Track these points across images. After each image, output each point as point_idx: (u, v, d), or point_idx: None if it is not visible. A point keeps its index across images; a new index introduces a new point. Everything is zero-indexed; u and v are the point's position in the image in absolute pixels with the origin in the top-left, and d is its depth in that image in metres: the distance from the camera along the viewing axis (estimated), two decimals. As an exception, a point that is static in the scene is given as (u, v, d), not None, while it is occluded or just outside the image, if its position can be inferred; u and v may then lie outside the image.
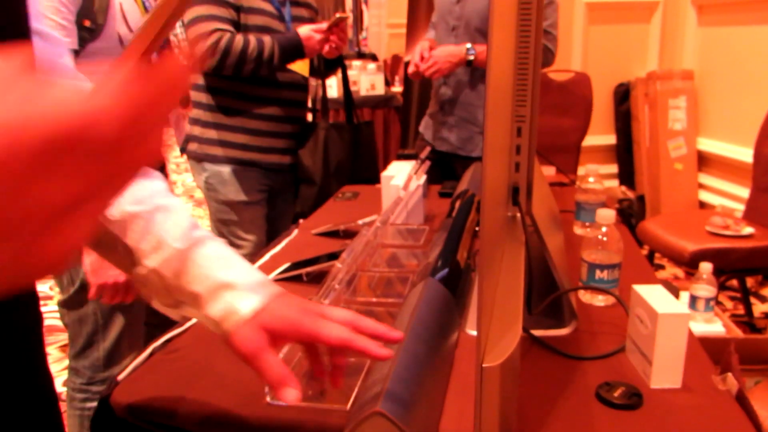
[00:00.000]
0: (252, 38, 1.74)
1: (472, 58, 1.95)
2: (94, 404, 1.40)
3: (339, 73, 2.20)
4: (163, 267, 0.62)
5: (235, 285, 0.61)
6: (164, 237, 0.62)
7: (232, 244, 1.95)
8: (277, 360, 0.56)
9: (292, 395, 0.54)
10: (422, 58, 1.98)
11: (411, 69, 2.01)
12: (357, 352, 0.57)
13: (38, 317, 0.64)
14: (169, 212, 0.64)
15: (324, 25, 1.82)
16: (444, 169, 2.09)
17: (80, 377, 1.40)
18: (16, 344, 0.60)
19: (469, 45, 1.95)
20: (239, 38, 1.73)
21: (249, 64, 1.75)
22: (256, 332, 0.58)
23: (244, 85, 1.84)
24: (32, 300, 0.62)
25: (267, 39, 1.75)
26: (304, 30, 1.80)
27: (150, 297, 0.66)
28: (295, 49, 1.79)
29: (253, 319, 0.59)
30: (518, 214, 0.88)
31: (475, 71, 2.01)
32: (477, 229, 1.33)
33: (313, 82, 2.08)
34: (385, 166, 1.60)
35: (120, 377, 0.86)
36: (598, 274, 1.02)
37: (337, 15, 1.83)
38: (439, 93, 2.11)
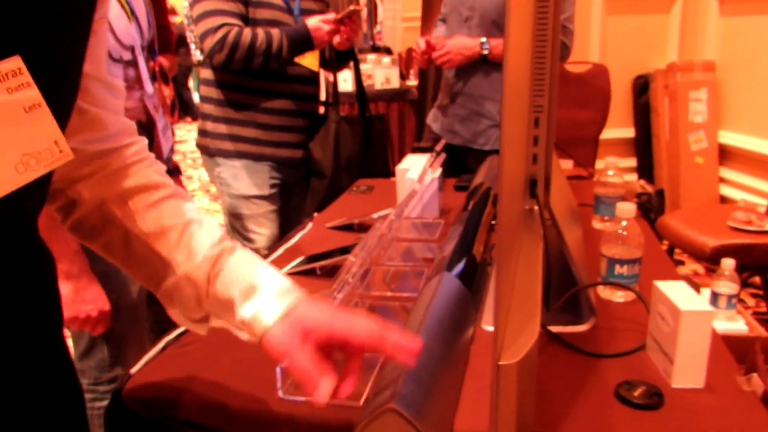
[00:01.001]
0: (260, 31, 1.73)
1: (486, 52, 1.93)
2: (104, 404, 1.40)
3: (352, 66, 2.18)
4: (195, 273, 0.64)
5: (266, 287, 0.62)
6: (197, 245, 0.65)
7: (246, 238, 1.95)
8: (308, 358, 0.57)
9: (320, 394, 0.55)
10: (433, 48, 1.96)
11: (419, 52, 1.99)
12: (386, 352, 0.58)
13: (60, 310, 0.64)
14: (202, 225, 0.67)
15: (332, 16, 1.80)
16: (455, 163, 2.06)
17: (87, 378, 1.40)
18: (45, 337, 0.60)
19: (483, 39, 1.92)
20: (247, 32, 1.72)
21: (258, 57, 1.74)
22: (287, 332, 0.59)
23: (254, 80, 1.83)
24: (55, 294, 0.62)
25: (275, 32, 1.74)
26: (312, 21, 1.78)
27: (177, 314, 0.68)
28: (303, 40, 1.78)
29: (285, 318, 0.60)
30: (536, 207, 0.86)
31: (489, 64, 1.98)
32: (493, 222, 1.31)
33: (324, 75, 2.06)
34: (400, 160, 1.58)
35: (133, 371, 0.86)
36: (617, 269, 1.00)
37: (351, 7, 1.82)
38: (450, 85, 2.08)
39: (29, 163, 0.45)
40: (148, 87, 1.38)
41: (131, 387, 0.82)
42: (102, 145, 0.64)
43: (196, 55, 4.88)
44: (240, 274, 0.64)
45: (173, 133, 1.77)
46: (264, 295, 0.62)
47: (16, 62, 0.43)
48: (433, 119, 2.21)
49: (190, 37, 7.22)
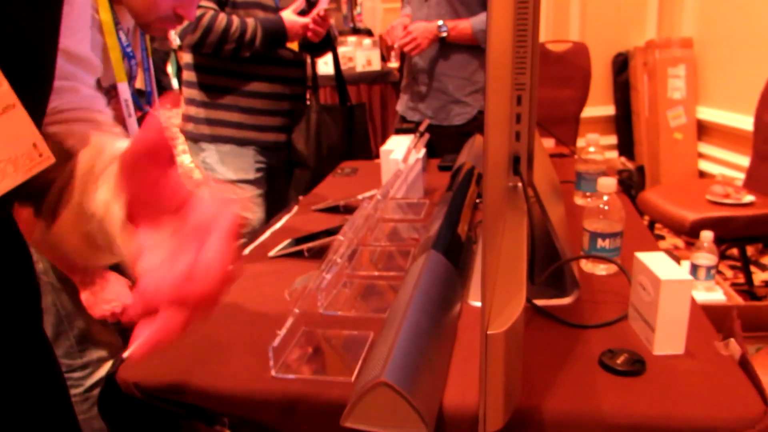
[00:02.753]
0: (235, 18, 1.72)
1: (444, 35, 2.01)
2: (80, 390, 1.41)
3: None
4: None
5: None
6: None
7: (232, 223, 1.95)
8: None
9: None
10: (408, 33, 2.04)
11: (397, 45, 2.08)
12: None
13: (39, 303, 0.64)
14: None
15: (302, 1, 1.81)
16: None
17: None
18: (26, 329, 0.61)
19: (440, 22, 2.00)
20: (222, 17, 1.71)
21: (230, 44, 1.73)
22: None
23: (236, 64, 1.82)
24: (35, 288, 0.62)
25: (251, 20, 1.74)
26: (287, 14, 1.78)
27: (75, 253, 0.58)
28: (278, 32, 1.77)
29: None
30: (519, 184, 0.88)
31: (447, 44, 2.06)
32: (477, 201, 1.33)
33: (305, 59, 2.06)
34: (383, 142, 1.59)
35: (126, 354, 0.87)
36: (600, 243, 1.02)
37: (318, 7, 1.82)
38: (411, 65, 2.17)
39: (6, 171, 0.42)
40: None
41: (124, 370, 0.83)
42: (70, 114, 0.60)
43: (176, 41, 4.80)
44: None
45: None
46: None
47: None
48: (401, 104, 2.30)
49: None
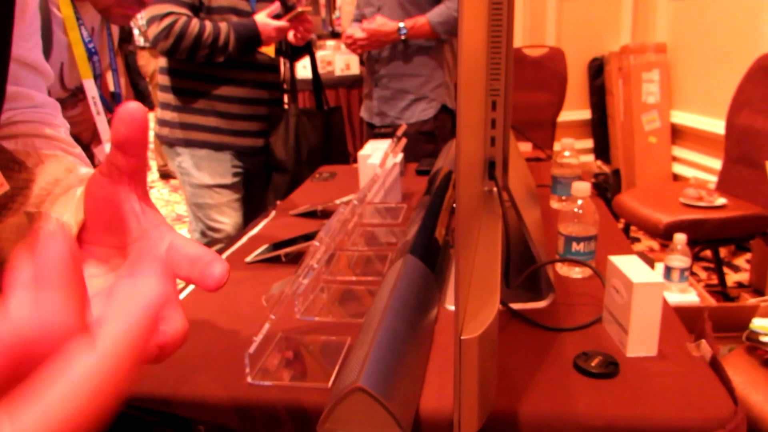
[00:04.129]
0: (208, 24, 1.72)
1: (404, 36, 2.10)
2: None
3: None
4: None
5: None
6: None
7: (209, 228, 1.93)
8: None
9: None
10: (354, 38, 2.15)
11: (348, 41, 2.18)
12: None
13: None
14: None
15: (277, 5, 1.81)
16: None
17: None
18: None
19: (401, 24, 2.07)
20: (195, 22, 1.70)
21: (203, 49, 1.72)
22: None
23: (212, 68, 1.81)
24: None
25: (223, 25, 1.74)
26: (260, 17, 1.78)
27: None
28: (251, 36, 1.77)
29: None
30: (495, 189, 0.89)
31: (407, 45, 2.14)
32: (455, 205, 1.34)
33: (282, 62, 2.06)
34: (361, 146, 1.59)
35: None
36: (574, 246, 1.03)
37: (299, 9, 1.82)
38: (372, 72, 2.25)
39: None
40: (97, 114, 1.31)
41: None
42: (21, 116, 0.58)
43: (140, 42, 4.71)
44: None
45: None
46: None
47: None
48: (365, 110, 2.36)
49: (136, 20, 7.02)
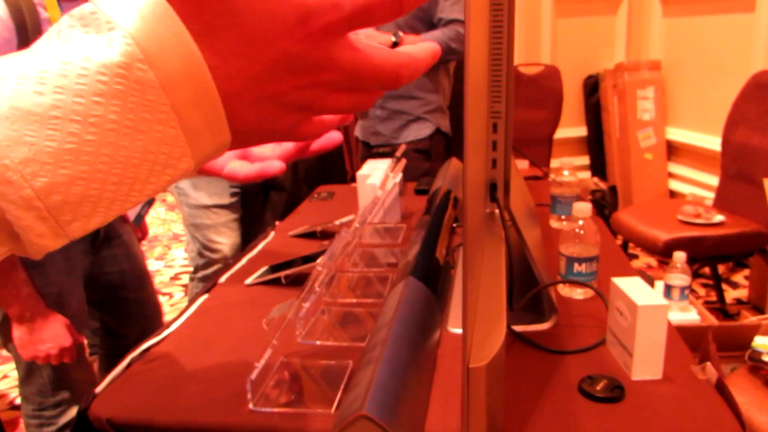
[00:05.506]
0: None
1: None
2: (52, 429, 1.36)
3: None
4: None
5: None
6: None
7: (207, 248, 1.92)
8: None
9: None
10: None
11: None
12: None
13: None
14: None
15: None
16: None
17: (31, 404, 1.35)
18: None
19: (394, 39, 2.05)
20: None
21: None
22: None
23: None
24: None
25: None
26: None
27: None
28: None
29: None
30: (496, 210, 0.88)
31: None
32: (455, 225, 1.33)
33: None
34: (360, 164, 1.59)
35: (98, 390, 0.84)
36: (576, 267, 1.03)
37: None
38: None
39: None
40: None
41: (96, 406, 0.80)
42: None
43: None
44: None
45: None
46: None
47: None
48: (359, 129, 2.36)
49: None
